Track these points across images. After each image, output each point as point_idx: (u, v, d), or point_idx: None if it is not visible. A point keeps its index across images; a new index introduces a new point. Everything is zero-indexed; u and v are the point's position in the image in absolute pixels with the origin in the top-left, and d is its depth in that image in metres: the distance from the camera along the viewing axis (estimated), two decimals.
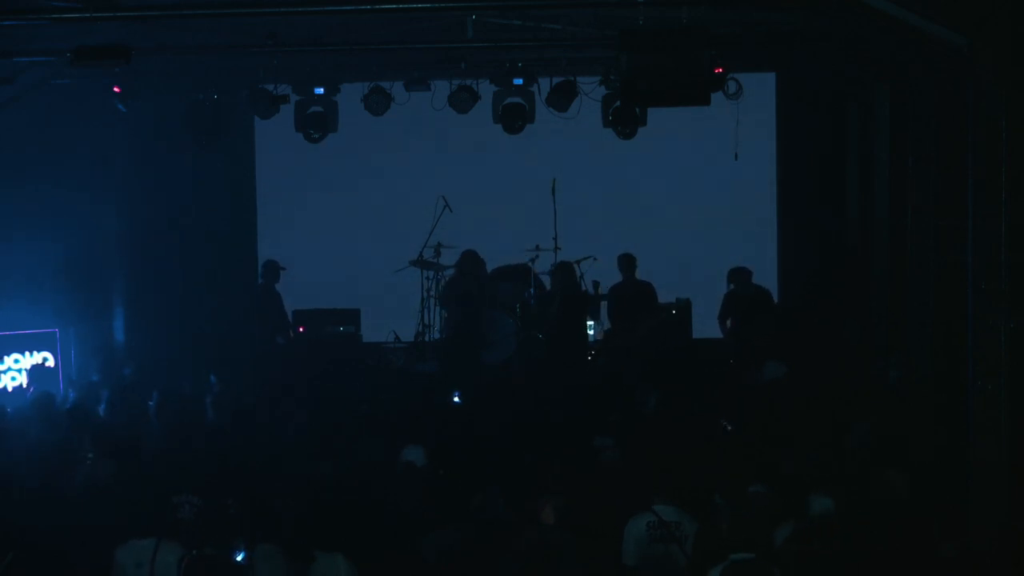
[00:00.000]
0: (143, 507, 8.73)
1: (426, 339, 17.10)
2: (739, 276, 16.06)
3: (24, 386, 14.75)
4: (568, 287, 16.28)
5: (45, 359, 15.10)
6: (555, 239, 16.78)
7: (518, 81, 16.04)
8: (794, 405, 11.99)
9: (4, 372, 14.83)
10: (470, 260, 16.44)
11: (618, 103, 16.28)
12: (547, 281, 16.84)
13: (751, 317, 15.83)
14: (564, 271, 16.33)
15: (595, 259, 16.61)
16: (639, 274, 16.55)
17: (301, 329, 17.21)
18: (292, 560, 8.21)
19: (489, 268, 17.00)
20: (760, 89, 17.40)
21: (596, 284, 16.65)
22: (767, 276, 17.38)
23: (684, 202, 18.38)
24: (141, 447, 10.83)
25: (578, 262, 16.49)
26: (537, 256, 16.64)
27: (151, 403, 12.70)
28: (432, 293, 17.10)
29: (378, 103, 16.46)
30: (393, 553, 8.56)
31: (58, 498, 9.55)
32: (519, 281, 16.70)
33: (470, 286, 16.32)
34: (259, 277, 17.52)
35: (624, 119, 16.64)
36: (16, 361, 14.89)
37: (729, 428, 11.46)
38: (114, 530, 8.61)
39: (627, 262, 16.42)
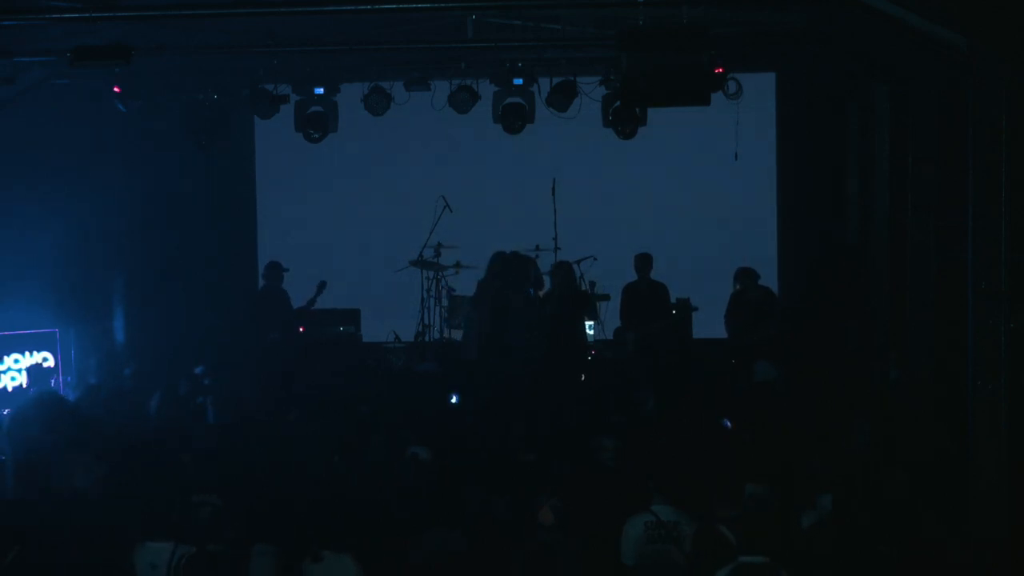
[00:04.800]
0: (142, 507, 8.71)
1: (426, 339, 17.07)
2: (746, 277, 15.99)
3: (24, 386, 14.74)
4: (567, 286, 16.25)
5: (45, 359, 15.08)
6: (555, 239, 16.75)
7: (518, 81, 16.03)
8: (790, 405, 11.98)
9: (4, 372, 14.81)
10: (504, 263, 15.83)
11: (618, 103, 16.27)
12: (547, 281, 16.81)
13: (757, 318, 15.80)
14: (563, 270, 16.30)
15: (595, 259, 16.58)
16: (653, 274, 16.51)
17: (301, 329, 17.17)
18: (296, 560, 8.18)
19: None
20: (760, 89, 17.40)
21: (593, 284, 16.60)
22: (767, 276, 17.32)
23: (684, 202, 18.38)
24: (141, 447, 10.81)
25: (578, 262, 16.47)
26: (537, 256, 16.60)
27: (151, 403, 12.69)
28: (432, 293, 17.08)
29: (378, 103, 16.46)
30: (396, 554, 8.55)
31: (57, 498, 9.54)
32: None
33: (506, 299, 15.66)
34: (261, 278, 17.44)
35: (624, 119, 16.62)
36: (16, 361, 14.87)
37: (730, 428, 11.45)
38: (112, 530, 8.59)
39: (643, 261, 16.33)
